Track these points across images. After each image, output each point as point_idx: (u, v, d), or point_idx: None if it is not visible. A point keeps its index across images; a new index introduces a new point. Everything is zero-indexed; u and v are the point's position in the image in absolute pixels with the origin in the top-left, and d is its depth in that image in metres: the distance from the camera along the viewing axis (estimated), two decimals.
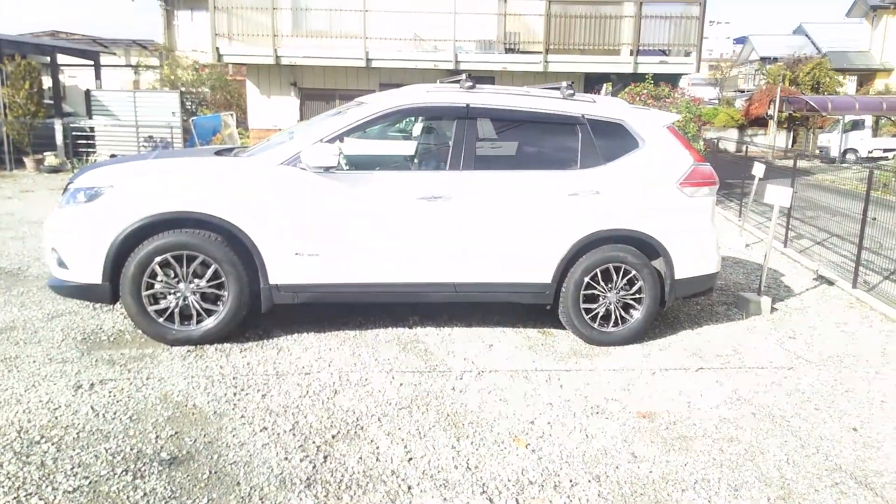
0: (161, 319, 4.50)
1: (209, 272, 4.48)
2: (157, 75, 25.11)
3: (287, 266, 4.58)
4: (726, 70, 44.59)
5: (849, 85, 34.64)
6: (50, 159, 15.04)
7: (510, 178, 4.83)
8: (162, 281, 4.45)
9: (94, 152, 15.56)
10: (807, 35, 39.28)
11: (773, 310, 6.10)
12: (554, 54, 15.32)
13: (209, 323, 4.55)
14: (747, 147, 14.07)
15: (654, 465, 3.42)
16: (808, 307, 6.35)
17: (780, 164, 18.65)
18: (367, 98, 5.14)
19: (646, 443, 3.64)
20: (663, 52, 16.31)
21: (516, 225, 4.80)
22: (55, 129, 15.47)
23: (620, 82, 15.65)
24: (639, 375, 4.56)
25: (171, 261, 4.42)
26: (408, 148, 5.56)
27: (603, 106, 5.11)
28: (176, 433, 3.44)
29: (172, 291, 4.49)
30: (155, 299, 4.50)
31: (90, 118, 15.88)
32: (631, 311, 5.09)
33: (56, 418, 3.52)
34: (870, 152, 25.85)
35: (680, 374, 4.62)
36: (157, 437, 3.39)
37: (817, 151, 26.64)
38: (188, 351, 4.49)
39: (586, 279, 4.94)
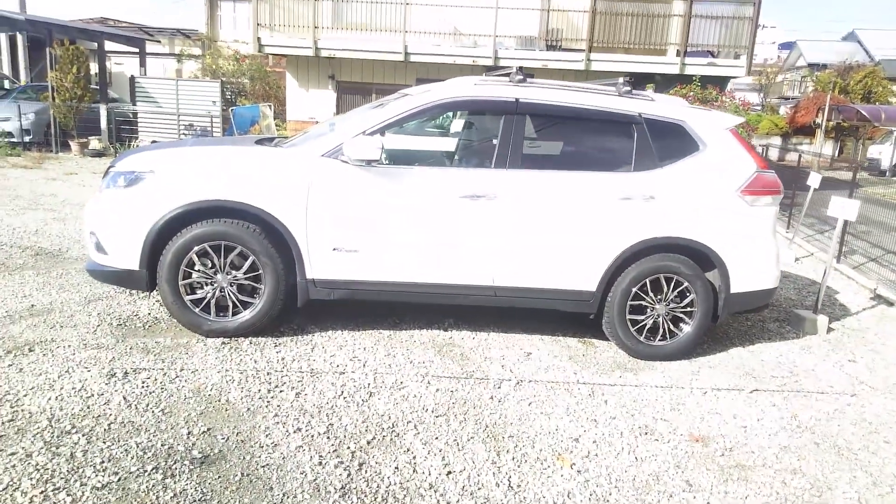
0: (197, 309, 4.41)
1: (246, 264, 4.37)
2: (200, 64, 25.40)
3: (325, 261, 4.45)
4: (771, 75, 43.45)
5: None
6: (94, 143, 15.24)
7: (558, 179, 4.62)
8: (199, 270, 4.35)
9: (136, 138, 15.73)
10: (859, 42, 38.08)
11: (829, 329, 5.76)
12: (597, 52, 15.01)
13: (245, 315, 4.44)
14: (800, 156, 13.55)
15: (711, 495, 3.20)
16: (867, 328, 6.01)
17: (827, 175, 18.03)
18: (411, 90, 4.98)
19: (701, 470, 3.41)
20: (710, 54, 15.86)
21: (563, 229, 4.59)
22: (100, 113, 15.68)
23: (665, 83, 15.25)
24: (689, 394, 4.31)
25: (209, 250, 4.32)
26: (451, 144, 5.38)
27: (662, 105, 4.86)
28: (208, 429, 3.33)
29: (209, 281, 4.39)
30: (191, 289, 4.41)
31: (134, 104, 16.06)
32: (680, 324, 4.84)
33: (88, 407, 3.43)
34: None
35: (733, 395, 4.36)
36: (189, 432, 3.28)
37: (866, 163, 25.69)
38: (223, 343, 4.39)
39: (634, 289, 4.70)
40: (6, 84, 18.56)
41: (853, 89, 30.35)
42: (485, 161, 4.80)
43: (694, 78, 13.95)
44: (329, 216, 4.38)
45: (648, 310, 4.77)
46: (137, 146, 15.17)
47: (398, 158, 5.00)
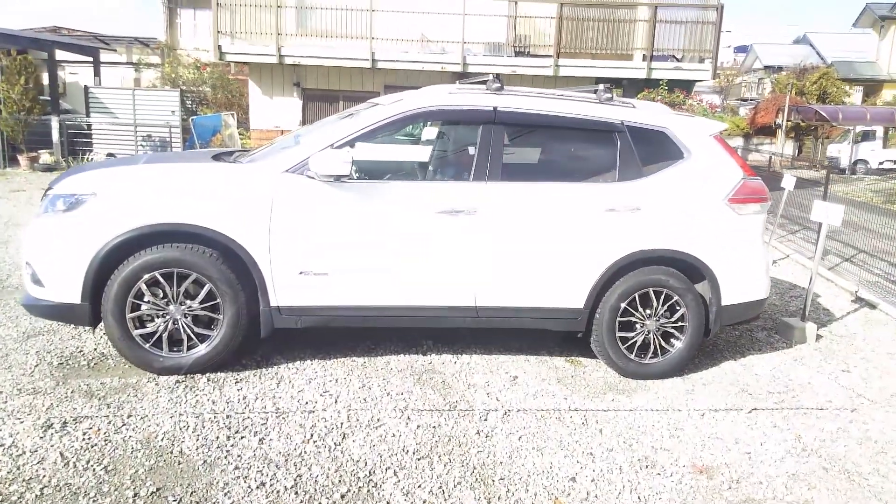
0: (147, 345, 3.97)
1: (202, 292, 3.96)
2: (159, 73, 24.63)
3: (291, 286, 4.06)
4: (730, 78, 44.16)
5: (855, 95, 34.20)
6: (45, 157, 14.55)
7: (540, 191, 4.32)
8: (149, 302, 3.92)
9: (91, 151, 15.06)
10: (811, 45, 38.91)
11: (818, 337, 5.58)
12: (565, 58, 14.86)
13: (201, 350, 4.02)
14: (770, 157, 13.57)
15: None
16: (855, 334, 5.84)
17: (792, 174, 18.16)
18: (382, 99, 4.63)
19: None
20: (675, 58, 15.85)
21: (546, 243, 4.29)
22: (52, 126, 14.97)
23: (632, 88, 15.18)
24: (686, 418, 4.03)
25: (160, 279, 3.90)
26: (426, 156, 5.04)
27: (644, 112, 4.59)
28: (157, 490, 2.92)
29: (161, 314, 3.96)
30: (141, 322, 3.97)
31: (88, 116, 15.39)
32: (672, 340, 4.58)
33: (18, 468, 2.99)
34: (881, 163, 25.42)
35: (732, 416, 4.09)
36: (136, 495, 2.87)
37: (826, 162, 26.15)
38: (177, 382, 3.96)
39: (623, 305, 4.43)
40: None
41: (809, 90, 30.96)
42: (463, 174, 4.48)
43: (661, 82, 13.89)
44: (294, 237, 4.00)
45: (638, 326, 4.51)
46: (92, 160, 14.51)
47: (370, 172, 4.64)
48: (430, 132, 5.39)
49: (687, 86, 15.32)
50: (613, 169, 4.44)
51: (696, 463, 3.51)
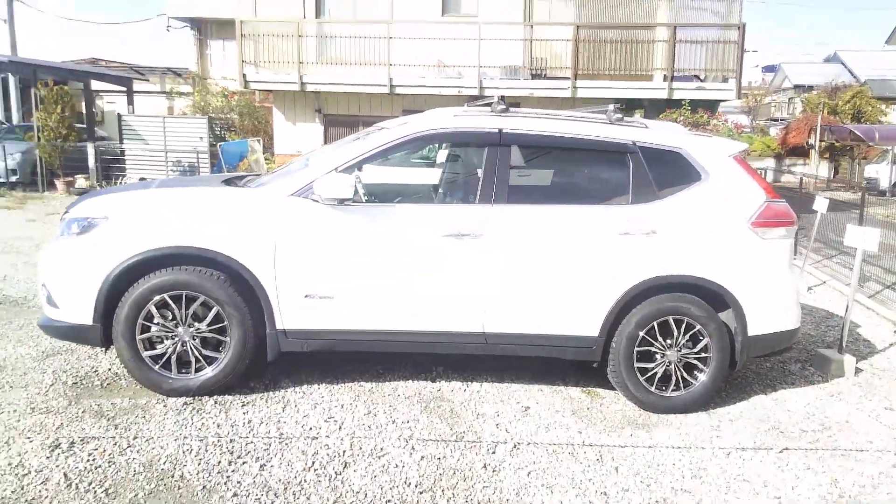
0: (157, 366, 4.02)
1: (210, 315, 4.00)
2: (190, 102, 25.28)
3: (297, 309, 4.08)
4: (759, 98, 43.67)
5: (892, 114, 33.43)
6: (80, 181, 15.02)
7: (549, 214, 4.25)
8: (159, 324, 3.98)
9: (124, 175, 15.48)
10: (842, 63, 38.28)
11: (857, 370, 5.22)
12: (582, 79, 14.85)
13: (208, 372, 4.05)
14: (802, 179, 13.23)
15: None
16: None
17: (827, 196, 17.72)
18: (388, 123, 4.67)
19: None
20: (697, 78, 15.72)
21: (556, 268, 4.19)
22: (87, 152, 15.48)
23: (653, 109, 15.08)
24: (710, 457, 3.81)
25: (169, 301, 3.95)
26: (432, 178, 5.06)
27: (657, 132, 4.52)
28: None
29: (170, 335, 4.02)
30: (151, 344, 4.03)
31: (121, 142, 15.87)
32: (695, 372, 4.36)
33: (22, 488, 3.03)
34: None
35: (761, 456, 3.85)
36: None
37: (864, 183, 25.49)
38: (184, 404, 3.99)
39: (641, 333, 4.24)
40: None
41: (842, 109, 30.35)
42: (468, 196, 4.47)
43: (683, 102, 13.76)
44: (300, 261, 4.02)
45: (658, 356, 4.31)
46: (125, 184, 14.89)
47: (375, 195, 4.68)
48: (442, 155, 5.42)
49: (710, 106, 15.17)
50: (626, 191, 4.31)
51: None
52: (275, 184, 4.21)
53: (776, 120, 38.95)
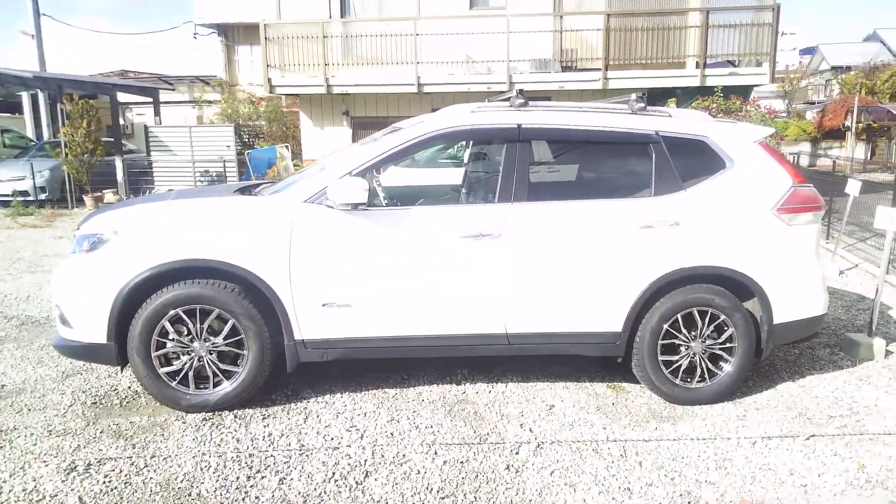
0: (174, 383, 3.96)
1: (226, 328, 3.93)
2: (218, 110, 25.57)
3: (315, 319, 3.99)
4: (795, 81, 42.45)
5: None
6: (109, 196, 15.17)
7: (570, 210, 4.11)
8: (173, 339, 3.92)
9: (152, 188, 15.65)
10: (882, 41, 37.02)
11: (887, 353, 5.10)
12: (614, 70, 14.56)
13: (226, 387, 3.98)
14: (835, 162, 12.77)
15: None
16: None
17: (863, 178, 17.12)
18: (403, 123, 4.54)
19: None
20: (731, 63, 15.28)
21: (578, 265, 4.07)
22: (116, 165, 15.65)
23: (685, 97, 14.71)
24: (736, 447, 3.72)
25: (184, 316, 3.89)
26: (454, 178, 4.92)
27: (681, 121, 4.34)
28: None
29: (186, 351, 3.95)
30: (167, 360, 3.97)
31: (148, 154, 16.03)
32: (720, 362, 4.27)
33: None
34: None
35: (787, 443, 3.75)
36: None
37: None
38: (203, 420, 3.93)
39: (665, 326, 4.16)
40: (25, 143, 18.77)
41: (881, 89, 29.34)
42: (487, 195, 4.33)
43: (715, 89, 13.37)
44: (315, 269, 3.92)
45: (683, 348, 4.23)
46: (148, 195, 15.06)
47: (394, 197, 4.56)
48: (467, 154, 5.29)
49: (744, 91, 14.73)
50: (649, 183, 4.19)
51: (744, 498, 3.21)
52: (288, 191, 4.11)
53: (813, 103, 37.81)
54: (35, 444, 3.62)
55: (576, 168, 4.48)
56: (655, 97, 15.31)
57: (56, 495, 3.12)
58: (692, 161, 4.22)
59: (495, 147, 4.55)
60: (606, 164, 4.42)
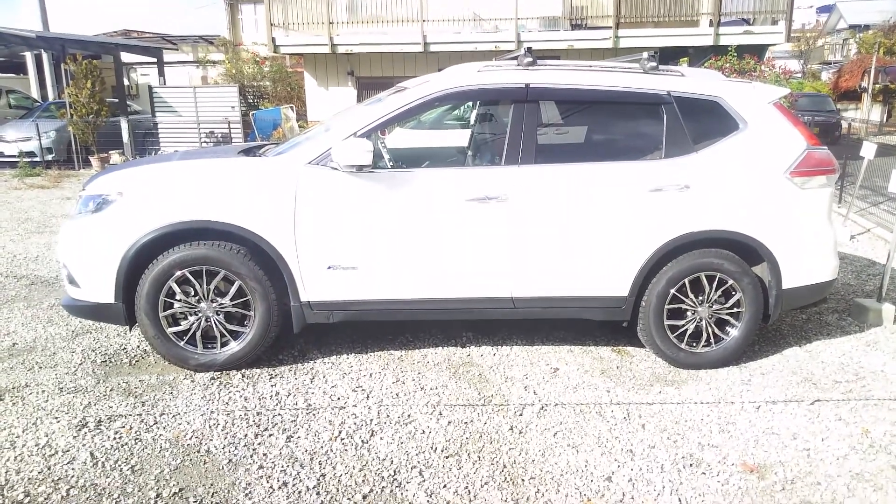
0: (182, 343, 4.00)
1: (233, 289, 3.94)
2: (223, 70, 25.28)
3: (320, 281, 4.00)
4: (811, 41, 41.47)
5: None
6: (115, 157, 15.13)
7: (578, 173, 4.06)
8: (181, 300, 3.94)
9: (158, 149, 15.59)
10: None
11: None
12: (625, 28, 14.28)
13: (234, 347, 4.02)
14: (850, 124, 12.56)
15: None
16: None
17: (879, 141, 16.84)
18: (408, 83, 4.47)
19: None
20: (746, 22, 14.93)
21: (585, 228, 4.04)
22: (121, 126, 15.58)
23: (698, 56, 14.43)
24: (739, 411, 3.74)
25: (190, 277, 3.90)
26: (461, 140, 4.86)
27: (693, 80, 4.25)
28: (180, 490, 2.91)
29: (193, 311, 3.98)
30: (175, 320, 4.00)
31: (153, 115, 15.93)
32: (726, 327, 4.27)
33: (49, 468, 3.04)
34: None
35: (791, 408, 3.77)
36: (158, 495, 2.87)
37: None
38: (212, 379, 3.97)
39: (672, 291, 4.14)
40: (30, 103, 18.66)
41: None
42: (494, 157, 4.29)
43: (729, 48, 13.10)
44: (320, 231, 3.92)
45: (689, 313, 4.22)
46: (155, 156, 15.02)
47: (401, 159, 4.51)
48: (474, 115, 5.21)
49: (758, 51, 14.42)
50: (660, 144, 4.13)
51: (746, 461, 3.24)
52: (292, 152, 4.08)
53: (829, 63, 37.05)
54: (47, 401, 3.68)
55: (584, 129, 4.42)
56: (667, 56, 15.00)
57: (68, 450, 3.18)
58: (704, 122, 4.15)
59: (502, 108, 4.48)
60: (616, 126, 4.34)
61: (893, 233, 5.34)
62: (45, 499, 2.82)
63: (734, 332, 4.24)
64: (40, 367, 4.12)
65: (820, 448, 3.36)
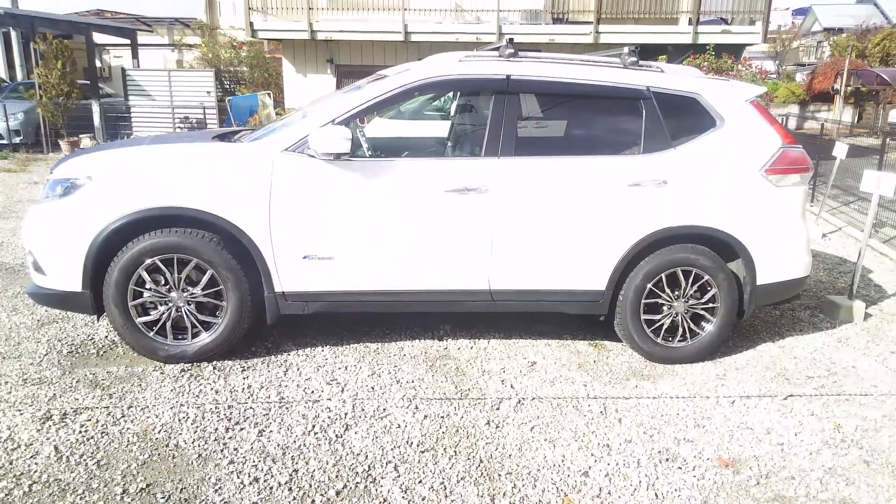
0: (151, 333, 3.89)
1: (204, 279, 3.85)
2: (199, 54, 24.82)
3: (295, 271, 3.92)
4: (787, 42, 42.02)
5: None
6: (85, 141, 14.77)
7: (558, 166, 4.04)
8: (151, 289, 3.83)
9: (130, 133, 15.26)
10: (875, 4, 36.72)
11: (866, 316, 5.17)
12: (606, 24, 14.31)
13: (205, 338, 3.92)
14: (823, 124, 12.75)
15: None
16: None
17: (849, 142, 17.11)
18: (388, 71, 4.39)
19: None
20: (724, 21, 15.06)
21: (564, 222, 4.02)
22: (93, 109, 15.20)
23: (677, 54, 14.50)
24: (714, 405, 3.76)
25: (161, 265, 3.80)
26: (436, 130, 4.80)
27: (673, 77, 4.24)
28: (147, 486, 2.83)
29: (163, 301, 3.88)
30: (144, 310, 3.89)
31: (126, 98, 15.58)
32: (702, 322, 4.29)
33: (11, 463, 2.94)
34: None
35: (765, 403, 3.80)
36: (125, 491, 2.78)
37: (888, 128, 24.60)
38: (182, 370, 3.88)
39: (649, 285, 4.15)
40: None
41: (871, 53, 29.19)
42: (474, 149, 4.24)
43: (707, 47, 13.20)
44: (296, 220, 3.83)
45: (665, 308, 4.23)
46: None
47: (379, 149, 4.44)
48: (454, 106, 5.15)
49: (736, 50, 14.56)
50: (638, 140, 4.13)
51: (721, 456, 3.25)
52: (268, 139, 3.98)
53: (803, 65, 37.56)
54: (10, 393, 3.55)
55: (564, 123, 4.39)
56: (646, 54, 15.03)
57: (31, 444, 3.08)
58: (683, 119, 4.16)
59: (483, 99, 4.43)
60: (596, 120, 4.33)
61: (864, 231, 5.43)
62: (7, 494, 2.72)
63: (709, 327, 4.26)
64: (4, 358, 3.98)
65: (793, 443, 3.39)
